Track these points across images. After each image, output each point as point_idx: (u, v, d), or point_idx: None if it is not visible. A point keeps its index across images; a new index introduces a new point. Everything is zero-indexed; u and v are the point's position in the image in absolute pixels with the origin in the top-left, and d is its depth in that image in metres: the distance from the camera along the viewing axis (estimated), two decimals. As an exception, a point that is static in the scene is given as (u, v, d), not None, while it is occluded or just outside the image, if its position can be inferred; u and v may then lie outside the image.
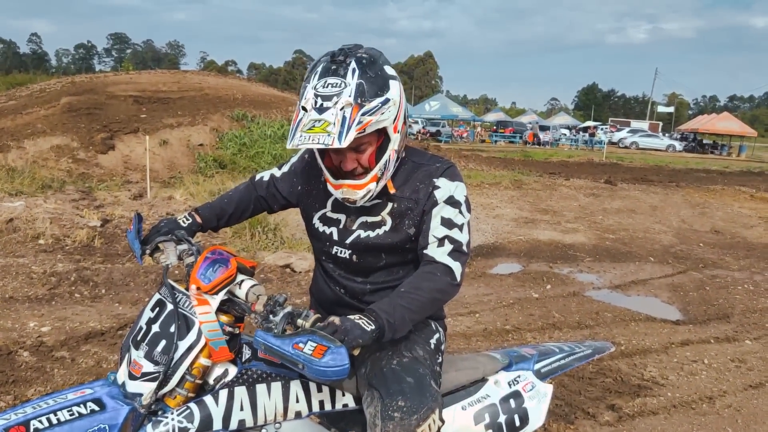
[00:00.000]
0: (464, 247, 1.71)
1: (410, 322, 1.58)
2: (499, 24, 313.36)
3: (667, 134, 51.87)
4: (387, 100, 1.58)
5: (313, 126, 1.50)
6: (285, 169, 2.00)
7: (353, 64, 1.56)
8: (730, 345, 4.79)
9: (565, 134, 45.30)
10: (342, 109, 1.51)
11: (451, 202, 1.73)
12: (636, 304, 5.84)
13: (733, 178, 20.47)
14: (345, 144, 1.48)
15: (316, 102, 1.53)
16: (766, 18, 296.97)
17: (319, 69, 1.58)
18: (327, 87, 1.53)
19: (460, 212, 1.73)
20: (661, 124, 61.50)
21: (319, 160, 1.70)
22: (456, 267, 1.67)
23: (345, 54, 1.58)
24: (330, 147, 1.49)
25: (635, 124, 55.53)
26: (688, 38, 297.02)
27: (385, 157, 1.66)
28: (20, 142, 11.01)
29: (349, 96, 1.52)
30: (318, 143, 1.48)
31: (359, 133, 1.52)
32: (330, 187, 1.72)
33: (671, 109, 77.19)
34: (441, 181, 1.75)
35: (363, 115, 1.52)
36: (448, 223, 1.70)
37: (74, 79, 16.94)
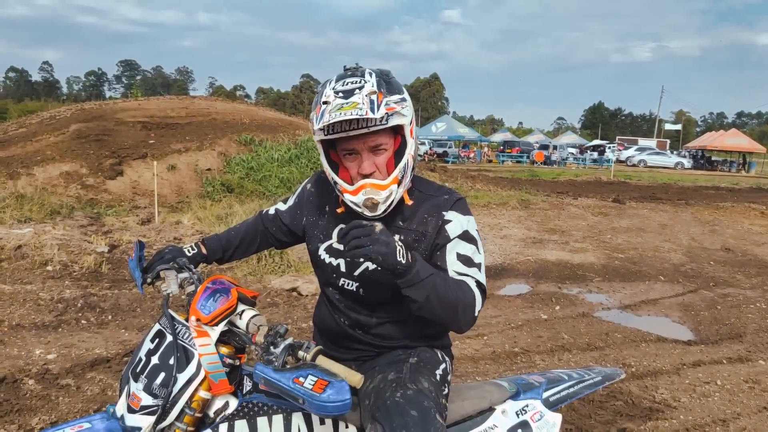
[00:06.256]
0: (485, 286, 1.65)
1: (427, 296, 1.49)
2: (504, 46, 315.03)
3: (675, 152, 51.80)
4: (405, 99, 1.59)
5: (342, 106, 1.50)
6: (290, 202, 2.00)
7: (368, 70, 1.60)
8: (743, 365, 4.71)
9: (573, 153, 45.27)
10: (368, 95, 1.52)
11: (467, 237, 1.68)
12: (646, 324, 5.77)
13: (742, 195, 20.34)
14: (378, 115, 1.49)
15: (338, 94, 1.53)
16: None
17: (334, 78, 1.60)
18: (347, 84, 1.55)
19: (477, 250, 1.68)
20: (668, 141, 61.49)
21: (331, 173, 1.65)
22: (479, 300, 1.60)
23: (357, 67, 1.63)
24: (364, 117, 1.48)
25: (643, 142, 55.54)
26: (693, 56, 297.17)
27: (404, 161, 1.62)
28: (30, 169, 11.10)
29: (372, 86, 1.54)
30: (352, 115, 1.47)
31: (389, 114, 1.52)
32: (347, 196, 1.63)
33: (679, 127, 77.20)
34: (451, 215, 1.70)
35: (388, 101, 1.54)
36: (466, 260, 1.64)
37: (83, 106, 17.08)
